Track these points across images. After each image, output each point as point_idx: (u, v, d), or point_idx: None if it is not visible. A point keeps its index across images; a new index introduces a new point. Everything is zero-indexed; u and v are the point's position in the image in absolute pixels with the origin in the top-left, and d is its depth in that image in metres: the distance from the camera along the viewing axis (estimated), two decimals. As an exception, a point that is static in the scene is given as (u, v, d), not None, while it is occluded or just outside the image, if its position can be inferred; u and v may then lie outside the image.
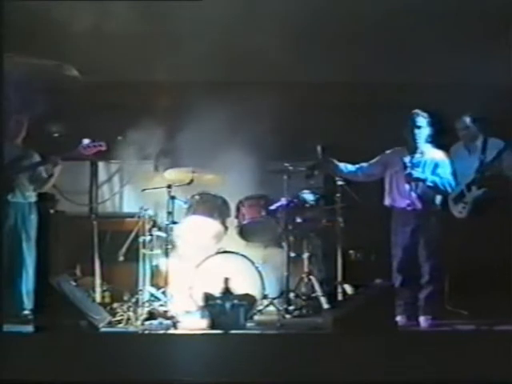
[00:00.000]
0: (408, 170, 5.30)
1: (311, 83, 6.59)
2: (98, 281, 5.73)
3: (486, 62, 5.65)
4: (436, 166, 5.37)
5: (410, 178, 5.30)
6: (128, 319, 5.34)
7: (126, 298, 5.66)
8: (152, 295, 5.58)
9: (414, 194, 5.33)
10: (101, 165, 6.18)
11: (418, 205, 5.33)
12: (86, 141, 5.40)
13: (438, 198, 5.38)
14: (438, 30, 5.78)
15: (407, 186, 5.33)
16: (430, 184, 5.32)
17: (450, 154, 5.60)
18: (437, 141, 5.41)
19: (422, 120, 5.35)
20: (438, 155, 5.43)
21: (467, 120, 5.66)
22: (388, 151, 5.53)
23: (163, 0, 5.50)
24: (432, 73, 6.06)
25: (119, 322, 5.34)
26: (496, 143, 5.52)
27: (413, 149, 5.39)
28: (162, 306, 5.46)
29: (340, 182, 5.86)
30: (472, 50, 5.78)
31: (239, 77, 6.20)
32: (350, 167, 5.60)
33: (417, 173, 5.30)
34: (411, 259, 5.33)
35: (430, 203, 5.35)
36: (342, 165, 5.58)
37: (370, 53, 6.17)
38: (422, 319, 5.25)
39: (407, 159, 5.35)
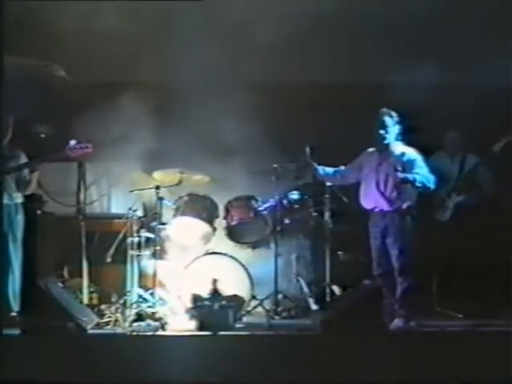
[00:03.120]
0: (391, 172, 5.33)
1: (301, 84, 6.62)
2: (85, 282, 5.68)
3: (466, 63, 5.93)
4: (413, 164, 5.37)
5: (398, 180, 5.30)
6: (116, 321, 5.33)
7: (113, 299, 5.63)
8: (140, 297, 5.55)
9: (379, 196, 5.36)
10: (88, 166, 6.01)
11: (385, 206, 5.35)
12: (72, 142, 5.37)
13: (408, 199, 5.37)
14: (417, 31, 5.89)
15: (374, 188, 5.37)
16: (419, 184, 5.32)
17: (432, 159, 5.81)
18: (408, 139, 5.45)
19: (389, 119, 5.36)
20: (412, 153, 5.42)
21: (453, 136, 6.12)
22: (362, 154, 5.58)
23: (164, 0, 5.49)
24: (417, 73, 6.04)
25: (107, 323, 5.33)
26: (473, 158, 6.01)
27: (383, 149, 5.41)
28: (149, 307, 5.43)
29: (328, 183, 5.84)
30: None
31: (227, 77, 6.15)
32: (328, 170, 5.64)
33: (402, 174, 5.30)
34: (386, 261, 5.35)
35: (397, 203, 5.34)
36: (320, 168, 5.62)
37: (358, 53, 6.26)
38: (395, 321, 5.23)
39: (383, 160, 5.39)
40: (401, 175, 5.28)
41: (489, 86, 5.94)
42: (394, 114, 5.38)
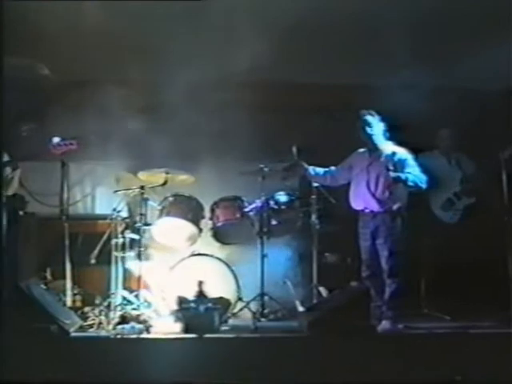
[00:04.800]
0: (382, 172, 5.31)
1: (287, 83, 6.58)
2: (68, 284, 5.62)
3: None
4: (405, 163, 5.34)
5: (389, 180, 5.28)
6: (100, 323, 5.29)
7: (97, 301, 5.58)
8: (124, 299, 5.51)
9: (370, 196, 5.34)
10: (72, 165, 5.98)
11: (375, 207, 5.33)
12: (56, 139, 5.31)
13: (399, 199, 5.36)
14: (407, 31, 5.77)
15: (364, 188, 5.35)
16: (411, 184, 5.30)
17: (424, 158, 5.70)
18: (395, 138, 5.44)
19: (371, 117, 5.34)
20: (403, 153, 5.40)
21: (445, 132, 6.04)
22: (352, 154, 5.57)
23: (162, 0, 5.47)
24: (406, 74, 6.05)
25: (90, 326, 5.29)
26: (468, 162, 6.01)
27: (374, 148, 5.39)
28: (134, 309, 5.38)
29: (315, 184, 5.82)
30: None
31: (214, 76, 5.99)
32: (319, 170, 5.62)
33: (394, 174, 5.28)
34: (375, 262, 5.33)
35: (388, 204, 5.33)
36: (310, 168, 5.60)
37: (347, 54, 6.19)
38: (383, 322, 5.21)
39: (373, 160, 5.37)
40: (393, 174, 5.25)
41: (482, 87, 6.12)
42: (373, 112, 5.37)
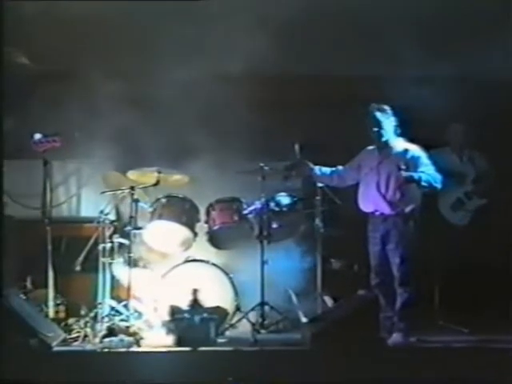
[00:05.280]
0: (393, 171, 5.15)
1: (289, 76, 6.47)
2: (51, 294, 5.45)
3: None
4: (418, 162, 5.21)
5: (401, 180, 5.13)
6: (85, 336, 5.22)
7: (82, 312, 5.50)
8: (112, 309, 5.41)
9: (380, 198, 5.24)
10: (56, 164, 5.81)
11: (386, 209, 5.22)
12: (37, 135, 5.22)
13: (411, 201, 5.21)
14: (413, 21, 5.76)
15: (374, 189, 5.25)
16: (424, 184, 5.15)
17: (434, 155, 5.58)
18: (407, 134, 5.32)
19: (381, 113, 5.23)
20: (415, 150, 5.27)
21: (457, 127, 5.96)
22: (361, 152, 5.47)
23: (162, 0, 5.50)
24: (410, 66, 6.03)
25: (75, 339, 5.22)
26: (482, 160, 5.93)
27: (384, 146, 5.27)
28: (123, 320, 5.29)
29: (320, 184, 5.70)
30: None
31: (208, 70, 5.95)
32: (325, 170, 5.54)
33: (406, 173, 5.12)
34: (385, 269, 5.22)
35: (400, 207, 5.19)
36: (316, 168, 5.52)
37: (351, 45, 6.12)
38: (394, 335, 5.10)
39: (383, 159, 5.24)
40: (405, 174, 5.10)
41: (490, 80, 5.95)
42: (385, 107, 5.25)
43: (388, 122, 5.23)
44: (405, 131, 5.30)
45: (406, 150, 5.23)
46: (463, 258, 5.54)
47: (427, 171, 5.16)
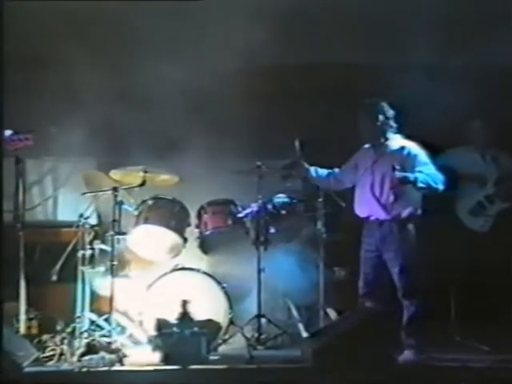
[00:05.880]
0: (387, 171, 4.94)
1: (288, 69, 6.32)
2: (22, 307, 5.26)
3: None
4: (415, 160, 5.00)
5: (395, 181, 4.90)
6: (61, 354, 5.03)
7: (58, 327, 5.32)
8: (92, 323, 5.29)
9: (374, 201, 5.07)
10: (29, 162, 5.66)
11: (381, 213, 5.03)
12: (8, 132, 5.03)
13: (410, 204, 5.02)
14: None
15: (368, 192, 5.09)
16: (422, 185, 4.91)
17: (454, 154, 5.60)
18: (404, 131, 5.16)
19: (375, 106, 5.08)
20: (412, 148, 5.07)
21: (479, 124, 5.70)
22: (358, 151, 5.33)
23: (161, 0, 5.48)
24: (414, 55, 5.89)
25: (50, 358, 5.02)
26: (508, 160, 5.69)
27: (379, 143, 5.10)
28: (104, 336, 5.15)
29: None
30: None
31: (200, 62, 5.82)
32: (321, 172, 5.41)
33: (400, 174, 4.89)
34: (377, 280, 5.06)
35: (396, 210, 5.00)
36: (312, 169, 5.38)
37: (352, 35, 5.94)
38: (405, 352, 4.87)
39: (377, 158, 5.06)
40: (399, 174, 4.88)
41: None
42: (380, 101, 5.07)
43: (389, 119, 5.05)
44: (403, 127, 5.14)
45: (402, 148, 5.04)
46: (483, 267, 5.32)
47: (426, 171, 4.94)
